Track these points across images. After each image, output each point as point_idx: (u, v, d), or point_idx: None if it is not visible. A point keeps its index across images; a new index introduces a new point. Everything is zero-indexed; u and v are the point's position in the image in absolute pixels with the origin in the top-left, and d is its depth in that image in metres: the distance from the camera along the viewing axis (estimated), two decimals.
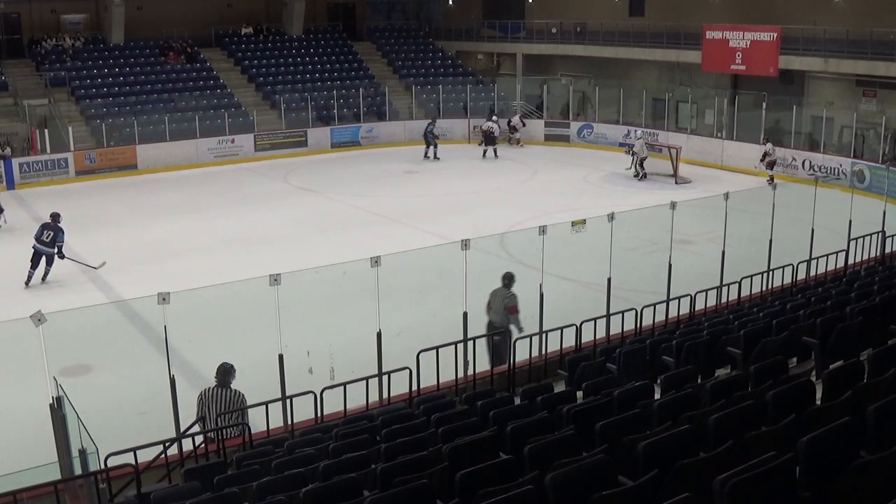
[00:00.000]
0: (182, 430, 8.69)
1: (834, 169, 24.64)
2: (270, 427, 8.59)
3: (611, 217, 11.67)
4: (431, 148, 29.78)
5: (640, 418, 6.23)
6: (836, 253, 13.43)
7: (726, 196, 13.10)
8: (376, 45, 38.61)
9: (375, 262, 9.70)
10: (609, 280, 12.07)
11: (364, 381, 9.00)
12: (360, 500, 5.31)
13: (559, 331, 10.52)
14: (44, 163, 26.91)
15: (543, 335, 10.58)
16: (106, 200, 24.43)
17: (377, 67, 37.12)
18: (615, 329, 11.03)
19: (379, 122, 33.13)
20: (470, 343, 9.87)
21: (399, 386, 9.28)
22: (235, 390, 8.74)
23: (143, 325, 13.09)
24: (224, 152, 29.90)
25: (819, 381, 7.08)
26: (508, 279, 11.66)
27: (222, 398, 8.65)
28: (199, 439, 8.32)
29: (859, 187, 21.53)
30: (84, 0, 34.25)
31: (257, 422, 8.67)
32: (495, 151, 30.00)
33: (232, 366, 8.84)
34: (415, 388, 9.11)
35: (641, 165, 26.20)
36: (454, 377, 9.66)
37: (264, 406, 8.50)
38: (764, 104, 27.47)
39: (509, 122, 31.97)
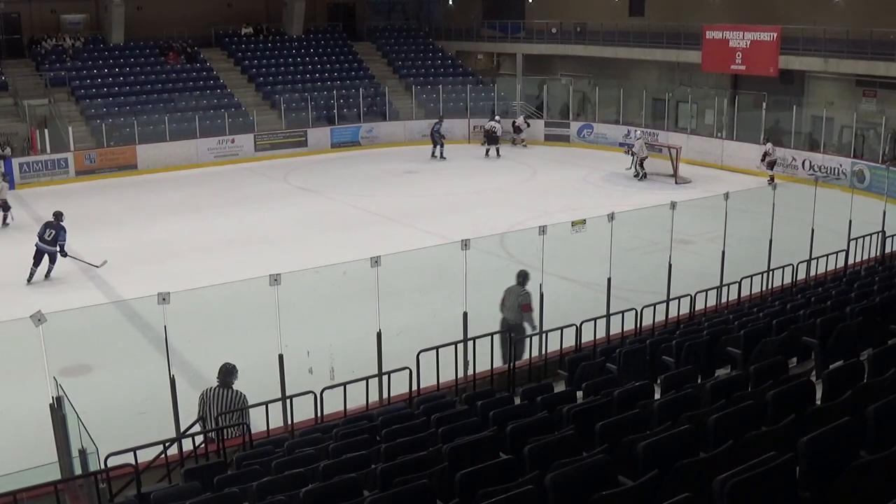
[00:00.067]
0: (182, 430, 8.70)
1: (834, 169, 24.64)
2: (270, 427, 8.59)
3: (611, 217, 11.67)
4: (438, 147, 29.82)
5: (640, 418, 6.23)
6: (836, 253, 13.44)
7: (726, 196, 13.10)
8: (376, 45, 38.62)
9: (375, 262, 9.70)
10: (609, 280, 12.07)
11: (364, 381, 9.00)
12: (360, 500, 5.30)
13: (559, 331, 10.53)
14: (44, 163, 26.91)
15: (543, 335, 10.58)
16: (106, 200, 24.43)
17: (377, 67, 37.13)
18: (615, 329, 11.03)
19: (379, 122, 33.13)
20: (470, 343, 9.86)
21: (399, 386, 9.28)
22: (237, 391, 8.74)
23: (143, 325, 13.08)
24: (224, 152, 29.90)
25: (819, 381, 7.08)
26: (523, 277, 11.74)
27: (223, 398, 8.65)
28: (199, 439, 8.32)
29: (859, 187, 21.53)
30: (84, 0, 34.25)
31: (257, 422, 8.67)
32: (497, 151, 30.04)
33: (234, 366, 8.84)
34: (415, 388, 9.11)
35: (641, 165, 26.20)
36: (454, 377, 9.66)
37: (264, 406, 8.50)
38: (764, 104, 27.48)
39: (514, 123, 32.00)
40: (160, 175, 28.02)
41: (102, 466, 6.91)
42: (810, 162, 25.43)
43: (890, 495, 4.15)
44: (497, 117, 31.35)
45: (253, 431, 8.43)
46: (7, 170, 25.28)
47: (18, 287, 16.38)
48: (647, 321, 11.05)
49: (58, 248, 16.73)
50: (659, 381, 7.94)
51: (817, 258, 13.24)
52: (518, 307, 11.56)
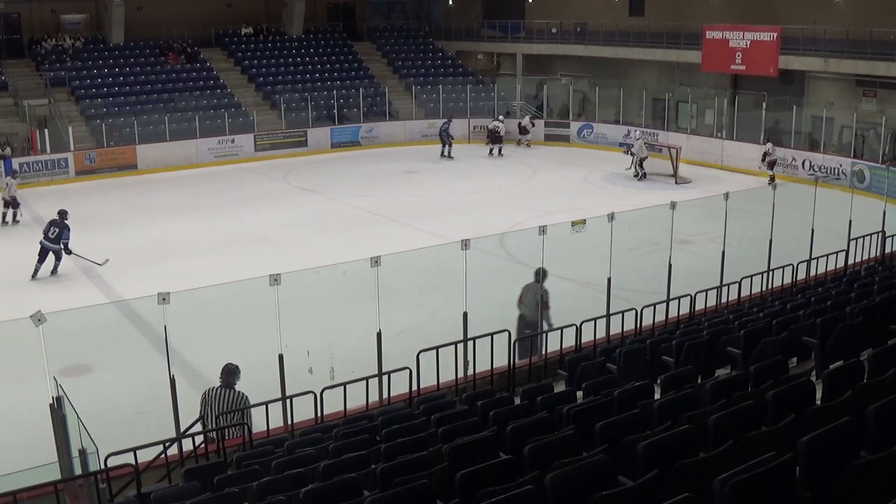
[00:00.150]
0: (182, 430, 8.70)
1: (834, 169, 24.64)
2: (270, 427, 8.59)
3: (611, 217, 11.66)
4: (447, 147, 29.86)
5: (640, 418, 6.22)
6: (836, 253, 13.43)
7: (726, 196, 13.09)
8: (376, 45, 38.62)
9: (375, 262, 9.70)
10: (609, 280, 12.06)
11: (364, 381, 9.00)
12: (360, 500, 5.30)
13: (559, 331, 10.52)
14: (44, 163, 26.91)
15: (543, 335, 10.57)
16: (106, 200, 24.43)
17: (377, 67, 37.12)
18: (615, 329, 11.03)
19: (379, 122, 33.13)
20: (470, 343, 9.86)
21: (399, 386, 9.28)
22: (239, 392, 8.75)
23: (143, 325, 13.08)
24: (224, 152, 29.90)
25: (819, 381, 7.08)
26: (541, 275, 11.75)
27: (225, 399, 8.66)
28: (199, 439, 8.32)
29: (859, 187, 21.53)
30: (84, 0, 34.25)
31: (258, 423, 8.67)
32: (500, 150, 30.09)
33: (237, 367, 8.85)
34: (415, 388, 9.11)
35: (641, 165, 26.20)
36: (454, 377, 9.66)
37: (264, 406, 8.50)
38: (764, 104, 27.47)
39: (520, 123, 32.01)
40: (160, 175, 28.01)
41: (102, 466, 6.91)
42: (810, 162, 25.43)
43: (890, 495, 4.15)
44: (501, 117, 31.45)
45: (253, 431, 8.44)
46: (7, 170, 25.29)
47: (18, 287, 16.39)
48: (647, 321, 11.05)
49: (61, 246, 16.95)
50: (659, 381, 7.94)
51: (817, 258, 13.23)
52: (536, 304, 11.59)
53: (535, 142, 32.16)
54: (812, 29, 26.76)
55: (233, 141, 30.07)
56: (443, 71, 37.14)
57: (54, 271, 17.07)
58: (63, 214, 17.36)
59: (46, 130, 27.56)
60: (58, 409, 7.89)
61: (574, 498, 4.67)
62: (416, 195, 24.64)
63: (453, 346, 9.67)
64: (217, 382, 8.85)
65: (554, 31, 35.39)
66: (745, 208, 15.69)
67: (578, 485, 4.77)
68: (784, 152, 25.79)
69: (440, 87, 34.21)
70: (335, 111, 32.44)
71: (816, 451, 4.55)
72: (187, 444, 8.23)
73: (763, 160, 24.91)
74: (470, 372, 9.86)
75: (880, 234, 14.21)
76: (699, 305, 11.59)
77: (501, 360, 9.96)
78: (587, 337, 10.57)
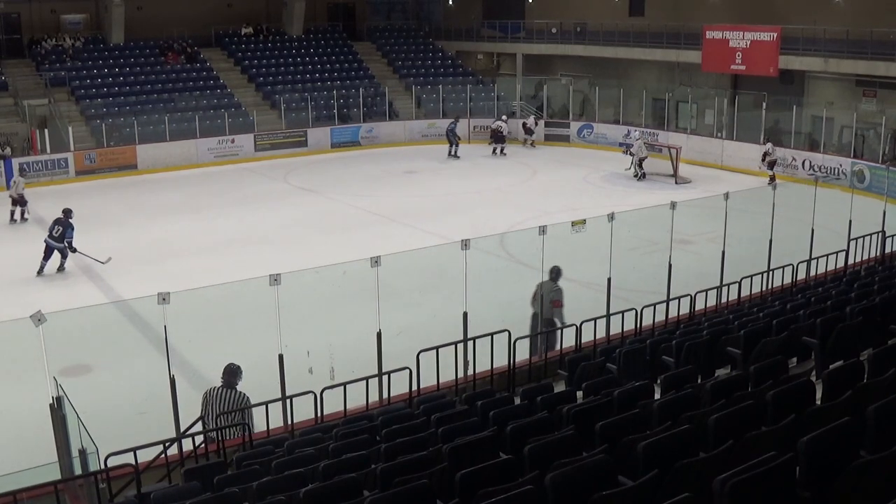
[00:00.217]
0: (182, 430, 8.70)
1: (834, 169, 24.64)
2: (270, 427, 8.59)
3: (611, 217, 11.67)
4: (454, 146, 29.89)
5: (640, 418, 6.22)
6: (836, 253, 13.43)
7: (726, 196, 13.09)
8: (376, 45, 38.61)
9: (375, 262, 9.70)
10: (609, 280, 12.06)
11: (364, 381, 9.00)
12: (360, 500, 5.30)
13: (559, 331, 10.51)
14: (44, 163, 26.91)
15: (544, 335, 10.57)
16: (106, 200, 24.42)
17: (377, 67, 37.12)
18: (615, 329, 11.03)
19: (379, 122, 33.13)
20: (470, 343, 9.86)
21: (399, 386, 9.28)
22: (241, 392, 8.75)
23: (143, 325, 13.08)
24: (224, 152, 29.90)
25: (819, 381, 7.08)
26: (555, 273, 11.80)
27: (226, 399, 8.66)
28: (199, 439, 8.32)
29: (859, 187, 21.53)
30: (84, 0, 34.25)
31: (258, 422, 8.67)
32: (503, 150, 30.16)
33: (239, 367, 8.85)
34: (415, 388, 9.11)
35: (640, 165, 26.20)
36: (454, 377, 9.66)
37: (264, 406, 8.50)
38: (764, 104, 27.47)
39: (524, 123, 32.02)
40: (160, 175, 28.01)
41: (102, 466, 6.90)
42: (810, 162, 25.43)
43: (890, 495, 4.15)
44: (504, 117, 31.50)
45: (253, 431, 8.44)
46: (7, 170, 25.30)
47: (19, 286, 16.40)
48: (647, 321, 11.05)
49: (65, 245, 17.17)
50: (659, 381, 7.94)
51: (817, 258, 13.23)
52: (549, 303, 11.62)
53: (536, 142, 32.15)
54: (812, 29, 26.76)
55: (233, 141, 30.07)
56: (443, 71, 37.14)
57: (61, 268, 17.34)
58: (68, 213, 17.60)
59: (46, 130, 27.56)
60: (58, 409, 7.89)
61: (574, 498, 4.67)
62: (416, 195, 24.64)
63: (453, 346, 9.67)
64: (218, 382, 8.85)
65: (554, 31, 35.39)
66: (745, 208, 15.70)
67: (578, 485, 4.76)
68: (784, 152, 25.79)
69: (440, 87, 34.21)
70: (335, 111, 32.44)
71: (816, 451, 4.55)
72: (187, 444, 8.23)
73: (763, 160, 24.91)
74: (470, 372, 9.86)
75: (880, 234, 14.21)
76: (699, 305, 11.59)
77: (501, 360, 9.96)
78: (587, 337, 10.58)
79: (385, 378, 9.58)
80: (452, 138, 30.01)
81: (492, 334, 9.90)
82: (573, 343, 10.49)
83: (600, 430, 5.88)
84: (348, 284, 12.98)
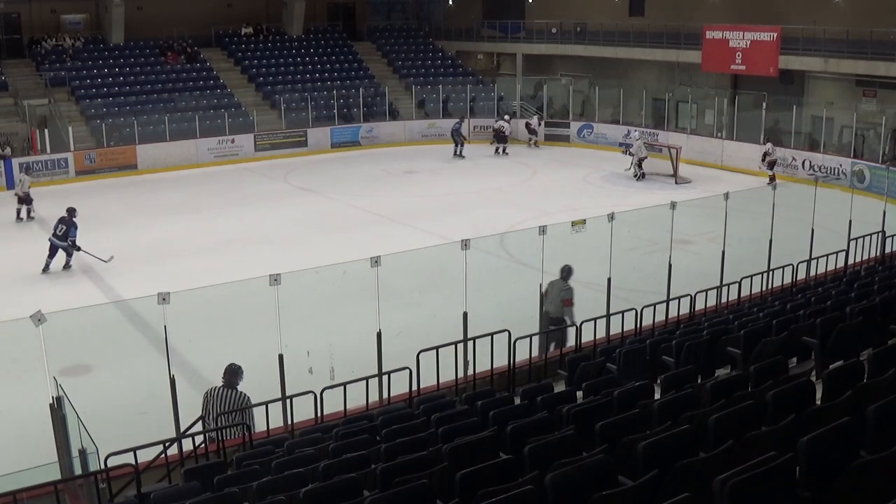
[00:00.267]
0: (182, 430, 8.69)
1: (834, 169, 24.64)
2: (270, 427, 8.59)
3: (611, 217, 11.67)
4: (459, 146, 29.91)
5: (640, 418, 6.22)
6: (836, 253, 13.43)
7: (726, 196, 13.10)
8: (376, 45, 38.62)
9: (375, 262, 9.70)
10: (609, 280, 12.07)
11: (364, 381, 9.00)
12: (360, 500, 5.30)
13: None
14: (44, 163, 26.91)
15: (544, 335, 10.57)
16: (106, 200, 24.42)
17: (377, 67, 37.12)
18: (615, 329, 11.03)
19: (379, 122, 33.13)
20: (470, 343, 9.87)
21: (399, 386, 9.27)
22: (242, 393, 8.74)
23: (143, 325, 13.08)
24: (224, 152, 29.90)
25: (819, 381, 7.08)
26: (566, 272, 11.85)
27: (226, 399, 8.65)
28: (199, 439, 8.32)
29: (859, 187, 21.53)
30: (84, 0, 34.25)
31: (261, 424, 8.67)
32: (505, 149, 30.19)
33: (240, 367, 8.84)
34: (415, 388, 9.11)
35: (640, 166, 26.20)
36: (454, 377, 9.66)
37: (264, 406, 8.50)
38: (764, 104, 27.47)
39: (527, 123, 32.03)
40: (160, 175, 28.02)
41: (102, 466, 6.90)
42: (810, 162, 25.43)
43: (890, 495, 4.15)
44: (506, 116, 31.50)
45: (254, 432, 8.44)
46: (7, 170, 25.30)
47: (19, 286, 16.40)
48: (647, 321, 11.05)
49: (68, 243, 17.30)
50: (659, 381, 7.94)
51: (817, 258, 13.23)
52: (560, 301, 11.64)
53: (539, 142, 32.14)
54: (812, 29, 26.76)
55: (233, 141, 30.07)
56: (443, 71, 37.14)
57: (67, 266, 17.47)
58: (72, 212, 17.75)
59: (46, 130, 27.56)
60: (58, 409, 7.89)
61: (574, 498, 4.67)
62: (416, 195, 24.64)
63: (453, 346, 9.67)
64: (218, 382, 8.85)
65: (554, 31, 35.39)
66: (745, 208, 15.70)
67: (578, 485, 4.76)
68: (784, 152, 25.79)
69: (440, 87, 34.21)
70: (335, 111, 32.44)
71: (816, 451, 4.55)
72: (187, 444, 8.23)
73: (763, 160, 24.91)
74: (470, 372, 9.86)
75: (880, 234, 14.21)
76: (699, 305, 11.59)
77: (501, 360, 9.96)
78: (587, 337, 10.58)
79: (385, 378, 9.57)
80: (457, 138, 30.04)
81: (492, 334, 9.91)
82: (573, 343, 10.49)
83: (600, 430, 5.88)
84: (348, 284, 13.00)
